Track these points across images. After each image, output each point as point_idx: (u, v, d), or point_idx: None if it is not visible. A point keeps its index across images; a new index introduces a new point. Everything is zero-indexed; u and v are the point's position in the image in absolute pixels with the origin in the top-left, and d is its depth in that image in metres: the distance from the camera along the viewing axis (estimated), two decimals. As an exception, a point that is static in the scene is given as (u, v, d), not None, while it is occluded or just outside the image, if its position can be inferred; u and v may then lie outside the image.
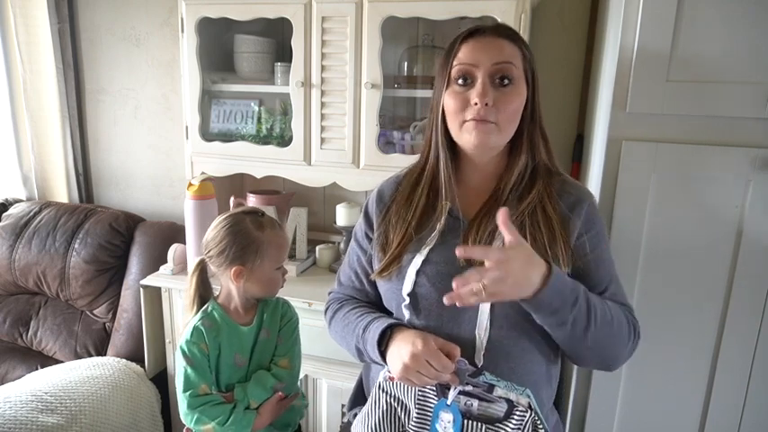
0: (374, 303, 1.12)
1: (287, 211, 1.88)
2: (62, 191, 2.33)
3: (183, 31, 1.75)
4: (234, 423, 1.15)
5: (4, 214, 2.20)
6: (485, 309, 0.94)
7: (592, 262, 0.99)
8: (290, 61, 1.69)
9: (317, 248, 1.91)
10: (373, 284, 1.10)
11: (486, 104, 0.93)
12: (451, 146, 1.02)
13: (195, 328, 1.19)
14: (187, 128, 1.83)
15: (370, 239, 1.11)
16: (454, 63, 0.96)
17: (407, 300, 0.99)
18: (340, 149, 1.69)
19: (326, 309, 1.18)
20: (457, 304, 0.84)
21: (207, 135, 1.86)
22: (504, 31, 0.98)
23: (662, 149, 1.23)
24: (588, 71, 1.75)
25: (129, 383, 1.80)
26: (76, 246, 2.02)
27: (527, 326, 0.94)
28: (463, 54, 0.96)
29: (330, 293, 1.22)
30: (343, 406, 1.68)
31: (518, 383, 0.94)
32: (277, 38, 1.86)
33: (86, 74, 2.30)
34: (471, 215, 1.01)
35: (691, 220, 1.24)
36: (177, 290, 1.79)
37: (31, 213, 2.15)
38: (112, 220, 2.05)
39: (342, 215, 1.84)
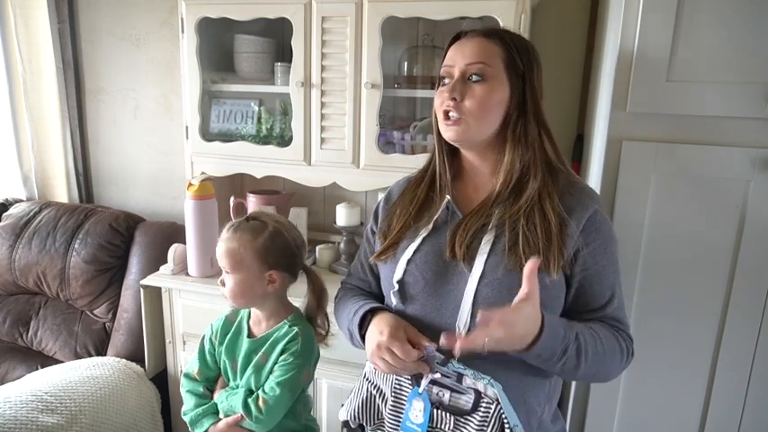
0: (376, 294, 1.16)
1: (287, 211, 1.89)
2: (62, 191, 2.33)
3: (183, 31, 1.75)
4: (190, 418, 1.24)
5: (5, 214, 2.20)
6: (467, 302, 0.95)
7: (591, 276, 0.98)
8: (290, 61, 1.69)
9: (317, 248, 1.91)
10: (376, 277, 1.15)
11: (455, 99, 0.98)
12: (448, 143, 1.06)
13: (222, 316, 1.27)
14: (187, 128, 1.83)
15: (374, 233, 1.16)
16: (442, 65, 1.04)
17: (396, 287, 1.02)
18: (340, 149, 1.69)
19: (335, 297, 1.23)
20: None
21: (207, 135, 1.86)
22: (485, 32, 1.01)
23: (662, 149, 1.23)
24: (588, 71, 1.75)
25: (129, 383, 1.80)
26: (76, 246, 2.02)
27: None
28: (447, 57, 1.03)
29: (341, 282, 1.26)
30: (342, 406, 1.68)
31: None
32: (277, 38, 1.86)
33: (86, 74, 2.30)
34: (467, 210, 1.04)
35: (691, 220, 1.24)
36: (177, 290, 1.79)
37: (31, 213, 2.15)
38: (112, 220, 2.05)
39: (342, 215, 1.84)
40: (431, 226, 1.04)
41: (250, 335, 1.24)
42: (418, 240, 1.03)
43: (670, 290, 1.28)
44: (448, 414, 0.92)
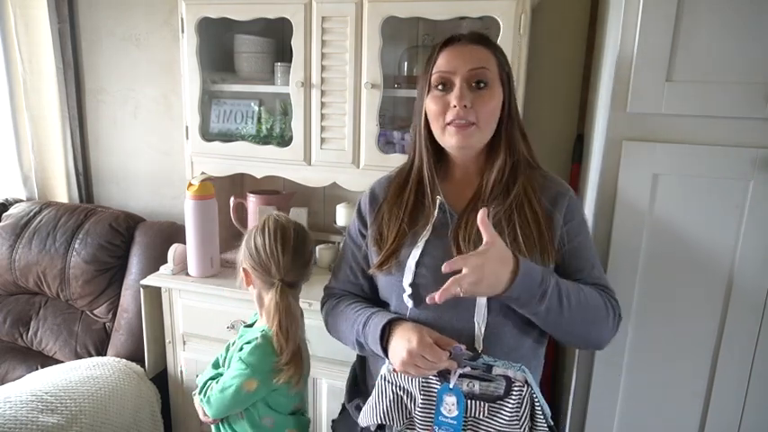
0: (369, 298, 1.17)
1: (287, 211, 1.88)
2: (62, 191, 2.33)
3: (183, 31, 1.75)
4: (196, 381, 1.35)
5: (5, 214, 2.20)
6: (482, 298, 0.98)
7: (572, 250, 1.04)
8: (290, 61, 1.69)
9: (317, 248, 1.91)
10: (368, 279, 1.15)
11: (465, 106, 0.99)
12: (435, 147, 1.08)
13: None
14: (187, 128, 1.83)
15: (364, 236, 1.16)
16: (433, 71, 1.04)
17: (410, 290, 1.03)
18: (340, 149, 1.69)
19: (323, 303, 1.22)
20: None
21: (207, 135, 1.86)
22: (478, 39, 1.05)
23: (662, 149, 1.23)
24: (588, 71, 1.75)
25: (129, 383, 1.80)
26: (76, 246, 2.02)
27: (521, 315, 1.00)
28: (441, 62, 1.03)
29: (325, 288, 1.25)
30: (344, 408, 1.68)
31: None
32: (277, 38, 1.86)
33: (86, 74, 2.30)
34: (459, 209, 1.06)
35: (691, 220, 1.24)
36: (177, 290, 1.79)
37: (32, 213, 2.15)
38: (112, 220, 2.05)
39: (342, 215, 1.84)
40: (430, 228, 1.05)
41: (251, 324, 1.30)
42: (421, 244, 1.04)
43: (670, 290, 1.28)
44: (481, 402, 0.96)
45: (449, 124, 1.01)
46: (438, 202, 1.05)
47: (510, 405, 0.94)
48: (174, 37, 2.11)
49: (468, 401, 0.96)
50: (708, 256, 1.24)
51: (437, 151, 1.09)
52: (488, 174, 1.05)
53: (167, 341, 1.85)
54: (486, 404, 0.95)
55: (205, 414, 1.26)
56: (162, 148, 2.28)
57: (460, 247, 1.00)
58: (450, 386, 0.96)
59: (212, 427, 1.30)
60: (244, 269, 1.23)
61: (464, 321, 0.99)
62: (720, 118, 1.19)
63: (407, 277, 1.03)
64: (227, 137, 1.86)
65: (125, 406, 1.73)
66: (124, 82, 2.26)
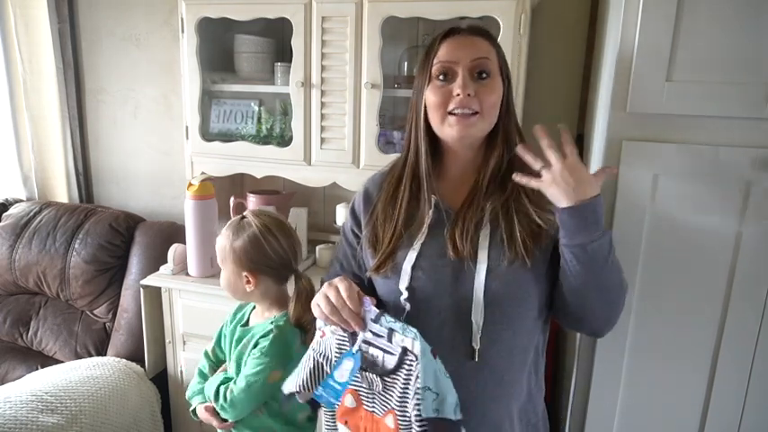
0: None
1: (287, 211, 1.89)
2: (62, 191, 2.33)
3: (183, 31, 1.75)
4: (187, 395, 1.33)
5: (5, 214, 2.21)
6: (478, 297, 0.98)
7: None
8: (290, 61, 1.69)
9: (317, 248, 1.91)
10: (358, 278, 1.14)
11: (469, 95, 0.98)
12: (432, 141, 1.06)
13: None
14: (187, 128, 1.83)
15: (357, 237, 1.15)
16: (434, 61, 1.02)
17: (406, 294, 1.02)
18: (340, 149, 1.69)
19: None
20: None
21: (207, 135, 1.86)
22: (478, 31, 1.04)
23: (662, 149, 1.23)
24: (588, 71, 1.75)
25: (129, 383, 1.80)
26: (76, 246, 2.02)
27: (519, 312, 1.00)
28: (443, 52, 1.01)
29: (321, 282, 1.24)
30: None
31: (508, 370, 0.99)
32: (277, 38, 1.86)
33: (86, 74, 2.30)
34: (455, 206, 1.05)
35: (691, 221, 1.24)
36: (177, 290, 1.79)
37: (32, 213, 2.15)
38: (112, 220, 2.05)
39: (342, 215, 1.84)
40: (426, 231, 1.03)
41: (246, 324, 1.29)
42: (417, 247, 1.03)
43: (670, 290, 1.28)
44: (376, 375, 0.93)
45: (450, 113, 1.00)
46: (433, 201, 1.05)
47: (401, 380, 0.91)
48: (174, 37, 2.11)
49: (364, 372, 0.94)
50: (708, 257, 1.24)
51: (433, 147, 1.07)
52: (485, 169, 1.05)
53: (167, 341, 1.85)
54: (381, 378, 0.93)
55: (222, 421, 1.24)
56: (162, 148, 2.28)
57: (456, 246, 1.00)
58: (354, 350, 0.94)
59: None
60: (248, 274, 1.21)
61: (462, 321, 0.99)
62: (720, 118, 1.19)
63: (404, 280, 1.02)
64: (227, 137, 1.86)
65: (125, 406, 1.73)
66: (124, 82, 2.26)
